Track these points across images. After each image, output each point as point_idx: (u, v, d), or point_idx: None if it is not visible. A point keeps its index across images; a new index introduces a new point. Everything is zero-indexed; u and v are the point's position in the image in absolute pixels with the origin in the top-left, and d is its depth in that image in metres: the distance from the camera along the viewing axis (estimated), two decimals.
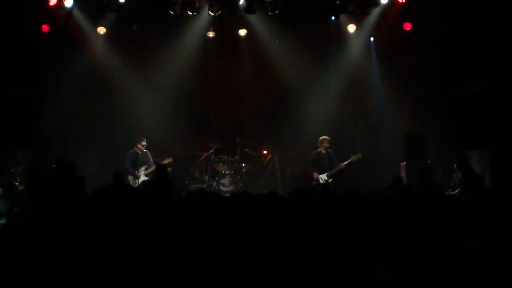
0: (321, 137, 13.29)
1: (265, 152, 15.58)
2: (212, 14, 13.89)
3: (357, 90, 15.45)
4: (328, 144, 13.15)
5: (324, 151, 13.14)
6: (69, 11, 13.80)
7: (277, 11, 13.72)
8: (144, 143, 13.41)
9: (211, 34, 15.00)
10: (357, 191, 7.29)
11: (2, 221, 8.91)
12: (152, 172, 13.16)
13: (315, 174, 13.01)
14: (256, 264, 5.01)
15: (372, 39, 14.92)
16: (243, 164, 14.72)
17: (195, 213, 6.03)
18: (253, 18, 14.44)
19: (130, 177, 13.23)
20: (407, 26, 14.33)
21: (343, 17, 14.51)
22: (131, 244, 5.32)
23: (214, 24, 14.75)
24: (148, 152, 13.47)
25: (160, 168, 11.02)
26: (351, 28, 14.68)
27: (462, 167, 10.59)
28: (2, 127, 12.69)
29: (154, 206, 6.26)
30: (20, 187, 12.59)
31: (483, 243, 4.95)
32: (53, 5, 13.41)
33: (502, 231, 5.36)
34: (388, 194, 8.82)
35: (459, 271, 4.68)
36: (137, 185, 13.08)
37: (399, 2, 13.76)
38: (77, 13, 14.03)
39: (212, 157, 14.70)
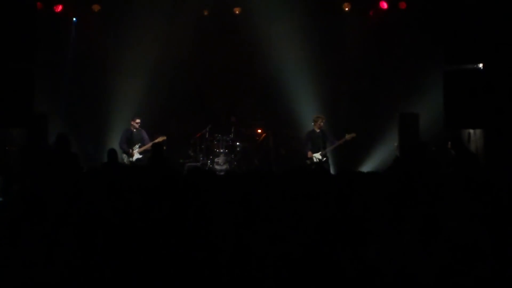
0: (315, 116, 13.33)
1: (259, 131, 15.61)
2: None
3: (351, 69, 15.44)
4: (322, 123, 13.18)
5: (318, 130, 13.17)
6: None
7: None
8: (138, 120, 13.41)
9: (206, 13, 14.95)
10: (351, 170, 7.34)
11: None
12: (146, 150, 13.21)
13: (309, 153, 13.05)
14: (251, 242, 5.06)
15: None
16: (238, 143, 14.75)
17: (193, 191, 6.07)
18: None
19: (124, 155, 13.28)
20: (402, 5, 14.34)
21: None
22: (127, 222, 5.35)
23: (208, 2, 14.70)
24: (143, 130, 13.50)
25: (156, 147, 11.04)
26: (346, 7, 14.67)
27: (456, 146, 10.64)
28: None
29: (151, 183, 6.29)
30: (15, 166, 12.58)
31: (478, 222, 5.00)
32: None
33: (497, 209, 5.41)
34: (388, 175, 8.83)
35: (453, 250, 4.73)
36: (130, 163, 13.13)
37: None
38: None
39: (207, 136, 14.71)
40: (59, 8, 14.22)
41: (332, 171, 12.88)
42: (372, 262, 4.72)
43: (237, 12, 14.99)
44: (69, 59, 14.66)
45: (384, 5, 14.49)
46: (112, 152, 10.75)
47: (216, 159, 14.40)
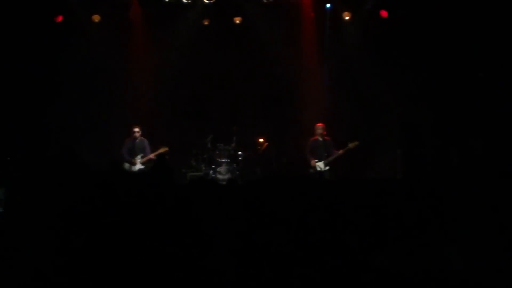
0: (317, 124, 13.31)
1: (261, 140, 15.51)
2: (207, 1, 13.90)
3: (353, 77, 15.40)
4: (324, 131, 13.16)
5: (320, 139, 13.16)
6: None
7: None
8: (136, 129, 13.38)
9: (206, 22, 14.96)
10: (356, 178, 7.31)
11: (0, 209, 8.90)
12: (149, 160, 13.20)
13: (312, 162, 13.04)
14: (256, 249, 5.04)
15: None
16: (239, 152, 14.67)
17: (197, 200, 6.05)
18: (248, 6, 14.42)
19: (126, 165, 13.24)
20: (402, 14, 14.35)
21: (338, 4, 14.53)
22: (132, 229, 5.33)
23: (209, 11, 14.71)
24: (145, 140, 13.48)
25: (161, 158, 11.05)
26: (346, 15, 14.69)
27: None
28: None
29: (157, 193, 6.26)
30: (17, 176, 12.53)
31: (490, 225, 4.98)
32: None
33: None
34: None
35: (463, 253, 4.70)
36: None
37: None
38: (71, 1, 14.04)
39: (209, 146, 14.65)
40: (59, 18, 14.23)
41: (334, 179, 12.85)
42: (378, 266, 4.69)
43: (237, 21, 15.00)
44: (68, 69, 14.59)
45: (385, 14, 14.50)
46: (115, 163, 10.70)
47: (218, 169, 14.32)
